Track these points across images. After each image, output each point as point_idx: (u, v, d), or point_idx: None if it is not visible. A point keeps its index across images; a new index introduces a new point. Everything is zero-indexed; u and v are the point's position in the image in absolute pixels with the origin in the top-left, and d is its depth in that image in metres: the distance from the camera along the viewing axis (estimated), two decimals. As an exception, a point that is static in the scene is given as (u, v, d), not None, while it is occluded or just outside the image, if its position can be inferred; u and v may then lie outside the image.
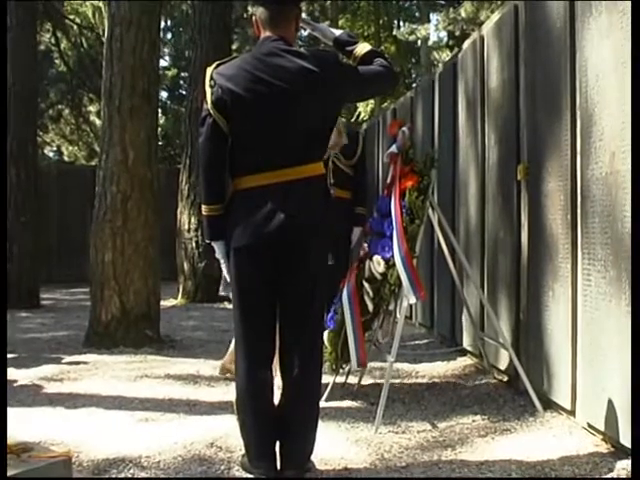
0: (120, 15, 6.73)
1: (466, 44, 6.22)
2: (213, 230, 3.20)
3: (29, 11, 10.89)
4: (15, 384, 5.42)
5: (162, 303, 7.56)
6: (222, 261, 3.21)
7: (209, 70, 3.20)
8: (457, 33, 19.50)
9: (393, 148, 4.48)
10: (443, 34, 22.46)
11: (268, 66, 3.10)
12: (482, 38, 5.67)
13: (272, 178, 3.10)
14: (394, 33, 22.64)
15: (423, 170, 4.39)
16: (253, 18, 3.30)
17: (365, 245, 4.69)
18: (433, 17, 22.74)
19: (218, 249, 3.20)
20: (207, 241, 3.24)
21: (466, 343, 5.92)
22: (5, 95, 5.22)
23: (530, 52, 4.61)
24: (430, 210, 4.54)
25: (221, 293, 5.42)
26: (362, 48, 3.29)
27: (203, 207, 3.21)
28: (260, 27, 3.24)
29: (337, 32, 3.40)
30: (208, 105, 3.13)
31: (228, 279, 3.22)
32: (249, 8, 19.42)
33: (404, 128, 4.50)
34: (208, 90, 3.14)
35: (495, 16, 5.54)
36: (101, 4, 16.42)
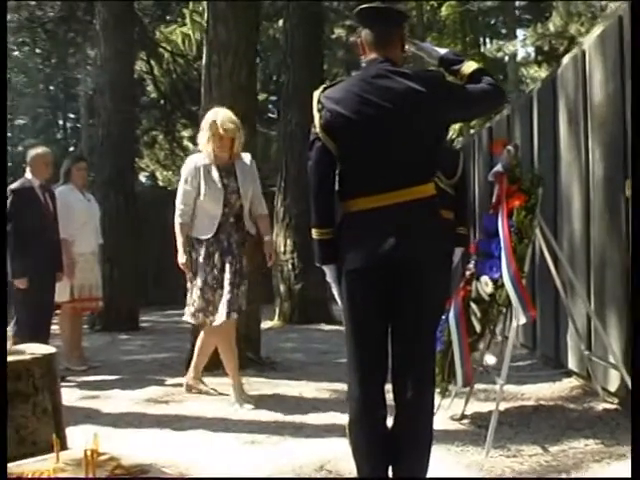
0: (218, 42, 6.84)
1: (566, 59, 6.12)
2: (323, 254, 3.19)
3: (127, 42, 11.21)
4: (122, 405, 5.53)
5: (260, 325, 7.60)
6: (333, 285, 3.20)
7: (316, 93, 3.20)
8: (546, 48, 19.20)
9: (498, 167, 4.43)
10: (530, 49, 22.17)
11: (375, 88, 3.09)
12: (583, 52, 5.56)
13: (382, 200, 3.07)
14: (482, 50, 22.46)
15: (530, 189, 4.31)
16: (358, 40, 3.30)
17: (471, 265, 4.63)
18: (519, 33, 22.49)
19: (329, 273, 3.18)
20: (318, 265, 3.24)
21: (572, 364, 5.78)
22: (5, 96, 5.38)
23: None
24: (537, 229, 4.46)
25: (185, 318, 5.58)
26: (468, 67, 3.24)
27: (313, 231, 3.20)
28: (366, 49, 3.23)
29: (442, 51, 3.37)
30: (317, 129, 3.14)
31: (340, 303, 3.20)
32: (335, 30, 19.59)
33: (509, 147, 4.44)
34: (316, 114, 3.14)
35: (597, 29, 5.43)
36: (190, 32, 16.78)
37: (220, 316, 5.46)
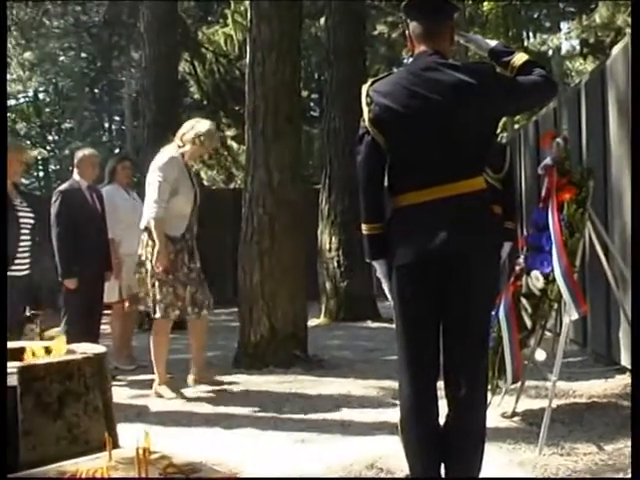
0: (262, 40, 6.84)
1: (615, 50, 6.00)
2: (373, 249, 3.15)
3: (171, 44, 11.27)
4: (171, 404, 5.55)
5: (306, 323, 7.58)
6: (383, 281, 3.16)
7: (365, 88, 3.17)
8: (591, 40, 18.89)
9: (548, 160, 4.36)
10: (574, 42, 21.86)
11: (425, 80, 3.05)
12: (634, 42, 5.46)
13: (431, 194, 3.03)
14: (525, 44, 22.20)
15: (581, 181, 4.24)
16: (406, 32, 3.26)
17: (521, 260, 4.56)
18: (563, 25, 22.19)
19: (379, 268, 3.15)
20: (367, 260, 3.21)
21: (625, 360, 5.67)
22: (5, 96, 5.46)
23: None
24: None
25: (157, 316, 5.59)
26: (519, 58, 3.18)
27: (363, 226, 3.17)
28: (414, 41, 3.19)
29: (492, 43, 3.31)
30: (366, 123, 3.11)
31: (390, 298, 3.17)
32: (377, 26, 19.50)
33: (558, 139, 4.37)
34: (365, 108, 3.12)
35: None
36: (232, 32, 16.84)
37: (191, 314, 5.67)
